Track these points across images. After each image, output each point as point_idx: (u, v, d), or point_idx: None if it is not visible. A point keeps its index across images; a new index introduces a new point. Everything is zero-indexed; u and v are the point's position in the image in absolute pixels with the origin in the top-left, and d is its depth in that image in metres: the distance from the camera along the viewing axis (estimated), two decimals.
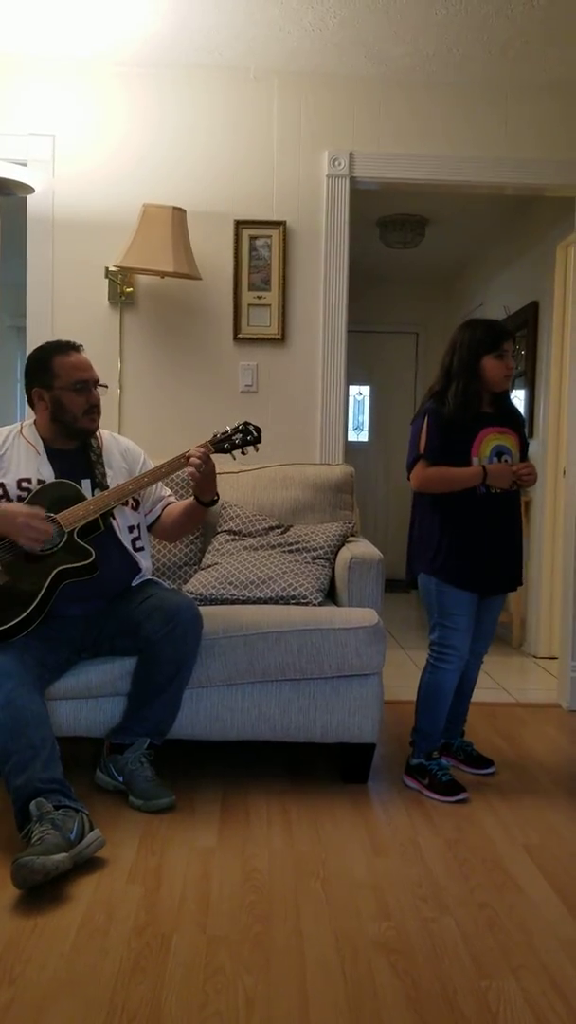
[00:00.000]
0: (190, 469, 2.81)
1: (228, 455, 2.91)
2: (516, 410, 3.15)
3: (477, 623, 3.06)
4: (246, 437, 2.90)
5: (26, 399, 2.94)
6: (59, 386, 2.82)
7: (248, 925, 2.10)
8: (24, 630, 2.62)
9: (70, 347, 2.88)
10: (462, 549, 2.95)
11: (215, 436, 2.90)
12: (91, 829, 2.37)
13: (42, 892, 2.19)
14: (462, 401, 2.92)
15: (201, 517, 3.08)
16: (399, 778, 3.06)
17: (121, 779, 2.81)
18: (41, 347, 2.92)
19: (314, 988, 1.85)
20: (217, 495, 2.99)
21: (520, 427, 3.08)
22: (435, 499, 2.97)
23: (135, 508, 2.98)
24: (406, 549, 3.12)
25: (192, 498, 2.98)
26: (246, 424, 2.91)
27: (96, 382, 2.88)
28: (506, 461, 2.97)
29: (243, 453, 2.91)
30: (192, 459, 2.80)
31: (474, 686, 3.22)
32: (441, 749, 3.16)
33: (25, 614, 2.60)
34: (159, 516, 3.07)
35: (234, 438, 2.89)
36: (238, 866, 2.39)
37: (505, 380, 2.98)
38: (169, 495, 3.12)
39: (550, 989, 1.87)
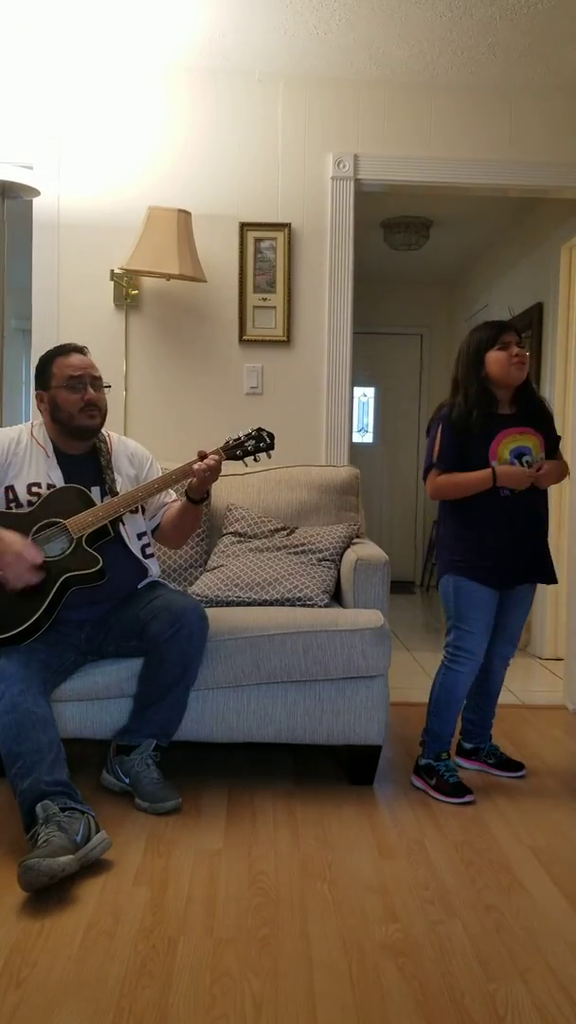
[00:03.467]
0: (199, 475, 2.80)
1: (240, 461, 2.89)
2: (542, 407, 3.05)
3: (503, 625, 3.04)
4: (259, 444, 2.88)
5: (35, 404, 2.94)
6: (55, 385, 2.82)
7: (255, 927, 2.09)
8: (32, 635, 2.62)
9: (71, 348, 2.88)
10: (479, 542, 2.93)
11: (227, 442, 2.88)
12: (97, 831, 2.37)
13: (48, 894, 2.19)
14: (468, 406, 2.89)
15: (196, 515, 3.02)
16: (405, 780, 3.06)
17: (127, 781, 2.80)
18: (46, 352, 2.92)
19: (321, 991, 1.85)
20: (208, 493, 2.95)
21: (545, 424, 3.01)
22: (459, 505, 2.96)
23: (143, 514, 2.98)
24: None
25: (184, 498, 2.95)
26: (259, 430, 2.89)
27: (94, 379, 2.85)
28: (527, 463, 2.92)
29: (255, 460, 2.90)
30: (197, 467, 2.80)
31: (500, 689, 3.20)
32: (471, 753, 3.17)
33: (32, 620, 2.60)
34: (159, 523, 3.06)
35: (247, 444, 2.88)
36: (244, 868, 2.39)
37: (516, 370, 2.90)
38: (173, 500, 3.09)
39: (557, 992, 1.86)
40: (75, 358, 2.85)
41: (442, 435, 2.92)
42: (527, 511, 2.99)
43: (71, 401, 2.81)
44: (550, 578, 3.06)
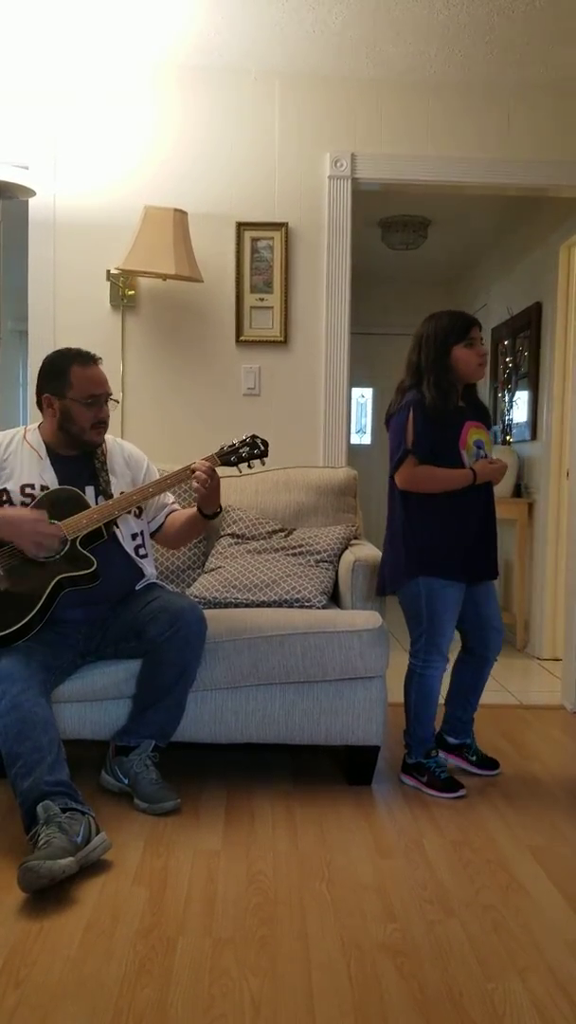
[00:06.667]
0: (195, 484, 2.82)
1: (234, 467, 2.91)
2: (483, 403, 3.15)
3: (486, 618, 3.06)
4: (253, 451, 2.89)
5: (35, 402, 2.90)
6: (71, 397, 2.79)
7: (253, 927, 2.09)
8: (24, 636, 2.62)
9: (89, 358, 2.84)
10: (457, 538, 2.94)
11: (222, 449, 2.89)
12: (97, 832, 2.37)
13: (48, 895, 2.19)
14: (439, 394, 2.89)
15: (203, 527, 3.08)
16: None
17: (126, 781, 2.81)
18: (60, 353, 2.87)
19: (320, 990, 1.85)
20: (220, 507, 2.97)
21: (489, 421, 3.10)
22: (428, 496, 2.93)
23: (138, 516, 2.98)
24: (384, 559, 3.06)
25: (195, 509, 2.98)
26: (253, 437, 2.91)
27: (108, 396, 2.86)
28: (485, 455, 2.98)
29: (249, 467, 2.91)
30: (197, 473, 2.81)
31: (485, 684, 3.21)
32: (456, 749, 3.17)
33: (24, 620, 2.60)
34: (162, 524, 3.06)
35: (241, 451, 2.89)
36: (243, 868, 2.39)
37: (479, 369, 2.96)
38: (173, 502, 3.11)
39: (556, 991, 1.86)
40: (96, 372, 2.83)
41: (416, 422, 2.89)
42: (488, 505, 3.04)
43: (86, 417, 2.80)
44: (496, 572, 3.12)
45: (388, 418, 3.03)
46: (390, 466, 2.97)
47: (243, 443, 2.90)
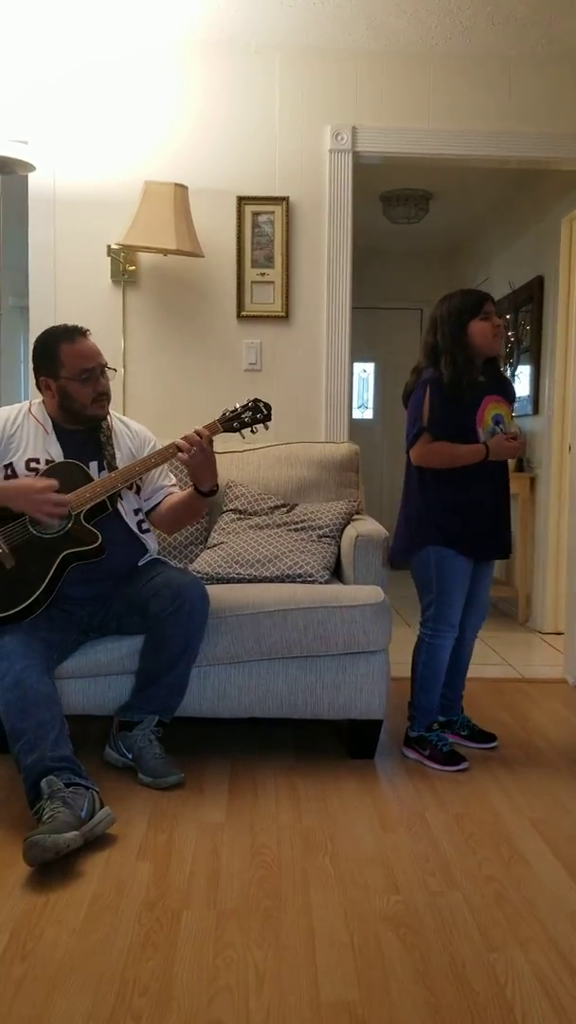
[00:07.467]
0: (181, 455, 2.78)
1: (238, 434, 2.89)
2: (506, 377, 3.14)
3: (473, 595, 3.08)
4: (255, 415, 2.87)
5: (34, 384, 2.90)
6: (65, 376, 2.78)
7: (257, 900, 2.11)
8: (32, 613, 2.62)
9: (76, 332, 2.82)
10: (469, 513, 2.95)
11: (224, 414, 2.87)
12: (101, 807, 2.38)
13: (53, 869, 2.21)
14: (455, 372, 2.89)
15: (200, 508, 3.04)
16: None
17: (130, 756, 2.82)
18: (47, 332, 2.86)
19: (323, 962, 1.87)
20: (217, 485, 2.94)
21: (512, 395, 3.09)
22: (444, 472, 2.95)
23: (137, 492, 2.97)
24: (397, 531, 3.10)
25: (192, 487, 2.95)
26: (256, 401, 2.88)
27: (103, 367, 2.84)
28: (503, 430, 2.97)
29: (252, 431, 2.88)
30: (178, 441, 2.77)
31: (469, 662, 3.22)
32: (444, 726, 3.18)
33: (33, 598, 2.61)
34: (158, 504, 3.05)
35: (243, 416, 2.86)
36: (247, 842, 2.41)
37: (495, 341, 2.96)
38: (172, 484, 3.09)
39: (557, 961, 1.88)
40: (85, 346, 2.81)
41: (432, 400, 2.91)
42: (503, 483, 3.05)
43: (84, 393, 2.79)
44: (507, 552, 3.11)
45: (406, 396, 3.05)
46: (406, 442, 2.99)
47: (245, 408, 2.87)
